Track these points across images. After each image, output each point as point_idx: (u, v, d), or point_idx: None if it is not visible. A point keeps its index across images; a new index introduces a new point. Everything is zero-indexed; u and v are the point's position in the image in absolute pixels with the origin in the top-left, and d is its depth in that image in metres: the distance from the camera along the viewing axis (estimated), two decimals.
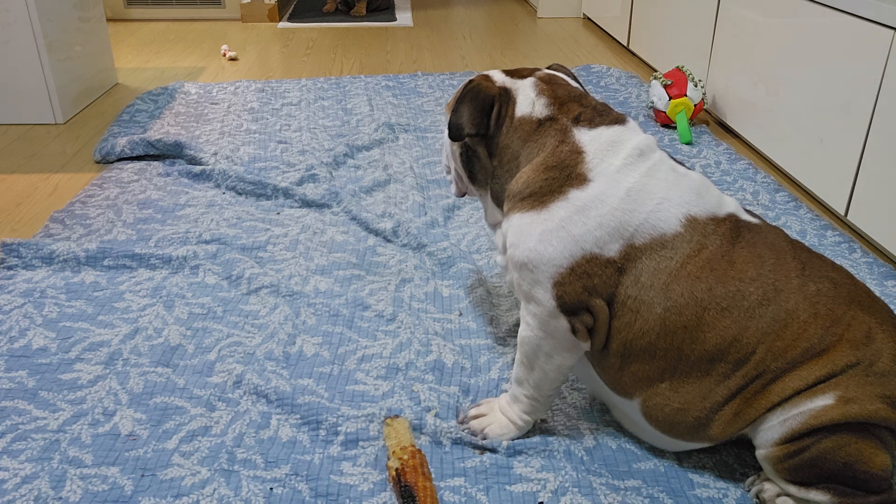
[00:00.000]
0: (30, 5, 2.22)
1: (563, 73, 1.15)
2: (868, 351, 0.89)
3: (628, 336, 0.96)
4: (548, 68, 1.15)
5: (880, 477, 0.88)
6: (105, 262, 1.54)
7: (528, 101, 1.05)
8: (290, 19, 3.99)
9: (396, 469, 0.99)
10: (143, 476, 1.02)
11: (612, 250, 0.95)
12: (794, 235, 1.68)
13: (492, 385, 1.21)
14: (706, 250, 0.94)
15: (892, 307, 1.35)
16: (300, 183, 1.91)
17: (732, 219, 0.98)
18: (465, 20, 4.04)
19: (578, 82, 1.14)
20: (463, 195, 1.22)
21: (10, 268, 1.53)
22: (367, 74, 2.92)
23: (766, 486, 0.98)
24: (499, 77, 1.09)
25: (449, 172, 1.22)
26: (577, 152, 0.99)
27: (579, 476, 1.02)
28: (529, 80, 1.08)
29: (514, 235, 1.00)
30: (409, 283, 1.49)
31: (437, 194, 1.88)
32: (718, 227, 0.96)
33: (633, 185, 0.96)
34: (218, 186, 1.90)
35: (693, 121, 2.35)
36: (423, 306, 1.42)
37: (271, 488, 1.01)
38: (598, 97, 2.58)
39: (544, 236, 0.96)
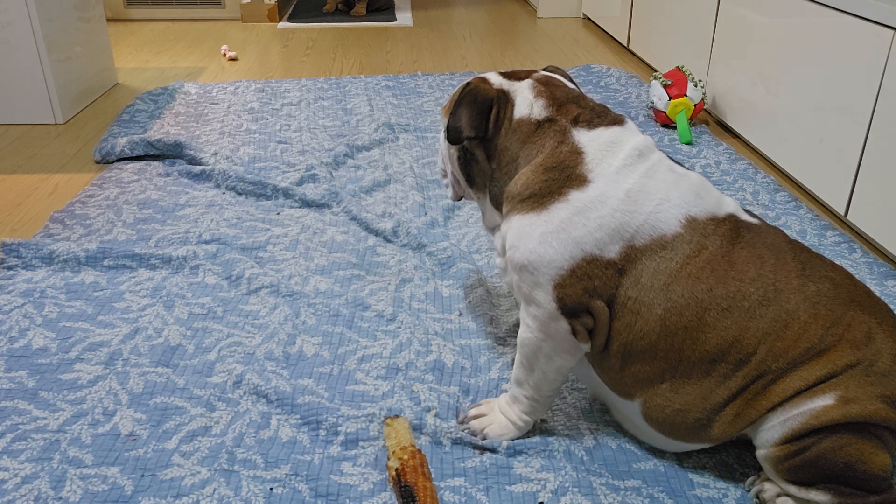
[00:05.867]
0: (30, 5, 2.22)
1: (558, 74, 1.15)
2: (868, 351, 0.89)
3: (629, 337, 0.96)
4: (543, 70, 1.15)
5: (880, 477, 0.88)
6: (105, 262, 1.54)
7: (526, 102, 1.05)
8: (290, 19, 3.99)
9: (396, 469, 0.99)
10: (143, 476, 1.03)
11: (613, 251, 0.95)
12: (794, 235, 1.68)
13: (492, 385, 1.21)
14: (706, 251, 0.94)
15: (892, 307, 1.35)
16: (300, 183, 1.91)
17: (732, 219, 0.98)
18: (465, 20, 4.04)
19: (574, 84, 1.14)
20: (460, 199, 1.22)
21: (10, 268, 1.53)
22: (367, 74, 2.92)
23: (767, 486, 0.98)
24: (496, 79, 1.09)
25: (445, 176, 1.22)
26: (577, 153, 0.99)
27: (579, 476, 1.03)
28: (527, 82, 1.08)
29: (513, 237, 1.00)
30: (409, 283, 1.49)
31: (437, 194, 1.88)
32: (718, 228, 0.96)
33: (632, 186, 0.96)
34: (218, 186, 1.90)
35: (693, 121, 2.35)
36: (423, 306, 1.42)
37: (271, 488, 1.01)
38: (597, 97, 2.58)
39: (544, 238, 0.96)
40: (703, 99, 2.25)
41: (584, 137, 1.00)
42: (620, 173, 0.97)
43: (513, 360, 1.26)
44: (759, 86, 2.07)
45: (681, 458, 1.07)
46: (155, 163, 2.05)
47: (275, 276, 1.49)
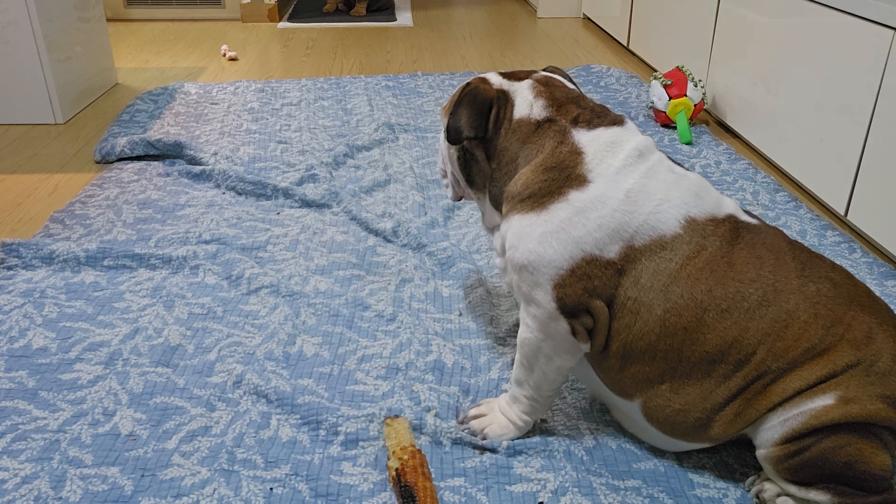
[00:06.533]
0: (30, 5, 2.22)
1: (558, 74, 1.15)
2: (868, 351, 0.89)
3: (628, 337, 0.96)
4: (543, 70, 1.15)
5: (880, 477, 0.88)
6: (105, 262, 1.54)
7: (526, 102, 1.05)
8: (290, 19, 3.99)
9: (396, 469, 0.99)
10: (143, 476, 1.03)
11: (612, 252, 0.95)
12: (794, 235, 1.68)
13: (492, 385, 1.21)
14: (705, 251, 0.94)
15: (892, 307, 1.35)
16: (300, 183, 1.91)
17: (731, 220, 0.98)
18: (465, 20, 4.04)
19: (574, 84, 1.14)
20: (460, 199, 1.22)
21: (10, 268, 1.53)
22: (367, 74, 2.92)
23: (767, 485, 0.98)
24: (496, 79, 1.09)
25: (445, 176, 1.22)
26: (577, 153, 0.99)
27: (579, 476, 1.03)
28: (527, 83, 1.08)
29: (513, 237, 1.00)
30: (409, 283, 1.49)
31: (437, 194, 1.88)
32: (717, 229, 0.96)
33: (632, 187, 0.96)
34: (218, 186, 1.90)
35: (693, 121, 2.35)
36: (423, 306, 1.42)
37: (271, 488, 1.01)
38: (597, 97, 2.58)
39: (544, 238, 0.96)
40: (703, 99, 2.25)
41: (584, 138, 1.00)
42: (620, 173, 0.97)
43: (513, 360, 1.26)
44: (759, 86, 2.07)
45: (681, 458, 1.07)
46: (155, 163, 2.05)
47: (275, 276, 1.49)
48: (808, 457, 0.89)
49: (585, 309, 0.96)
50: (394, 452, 1.02)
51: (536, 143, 1.02)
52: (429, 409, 1.14)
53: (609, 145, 0.99)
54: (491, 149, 1.07)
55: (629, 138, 1.01)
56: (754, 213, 1.73)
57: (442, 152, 1.20)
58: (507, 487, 1.01)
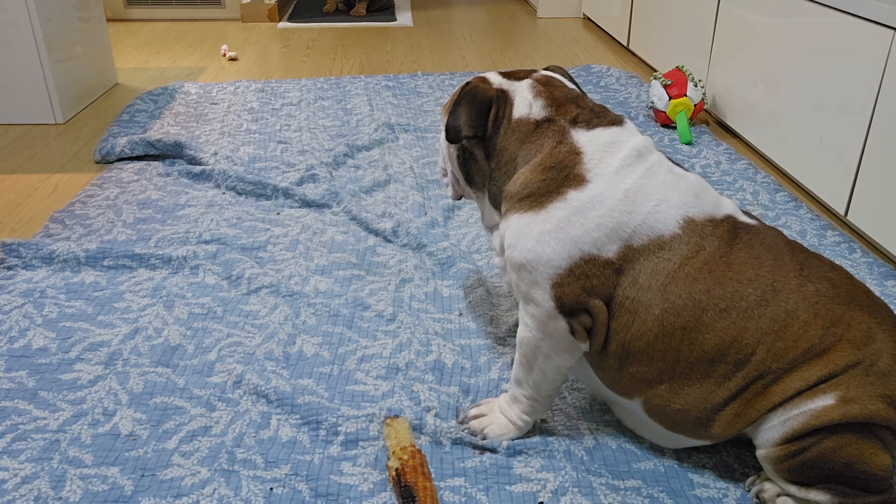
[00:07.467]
0: (30, 5, 2.23)
1: (559, 74, 1.15)
2: (868, 351, 0.89)
3: (626, 337, 0.96)
4: (544, 70, 1.15)
5: (880, 477, 0.88)
6: (105, 262, 1.54)
7: (525, 102, 1.05)
8: (290, 19, 3.99)
9: (396, 469, 0.99)
10: (143, 476, 1.03)
11: (611, 251, 0.95)
12: (793, 235, 1.68)
13: (492, 385, 1.21)
14: (704, 252, 0.94)
15: (892, 307, 1.35)
16: (300, 183, 1.91)
17: (730, 220, 0.98)
18: (465, 20, 4.04)
19: (575, 84, 1.14)
20: (460, 198, 1.22)
21: (10, 268, 1.53)
22: (367, 74, 2.92)
23: (767, 486, 0.98)
24: (496, 79, 1.09)
25: (445, 175, 1.22)
26: (575, 153, 0.99)
27: (579, 476, 1.03)
28: (526, 82, 1.08)
29: (511, 236, 1.00)
30: (409, 283, 1.49)
31: (437, 194, 1.88)
32: (716, 229, 0.96)
33: (631, 187, 0.96)
34: (218, 186, 1.90)
35: (693, 121, 2.35)
36: (423, 306, 1.42)
37: (271, 488, 1.01)
38: (597, 97, 2.58)
39: (542, 237, 0.96)
40: (703, 99, 2.25)
41: (583, 138, 1.00)
42: (619, 173, 0.97)
43: (512, 360, 1.26)
44: (759, 86, 2.07)
45: (681, 458, 1.07)
46: (155, 163, 2.05)
47: (275, 276, 1.49)
48: (809, 457, 0.89)
49: (584, 308, 0.96)
50: (394, 452, 1.02)
51: (535, 143, 1.02)
52: (429, 409, 1.14)
53: (608, 145, 0.99)
54: (490, 148, 1.07)
55: (628, 138, 1.01)
56: (754, 213, 1.74)
57: (442, 151, 1.21)
58: (507, 487, 1.01)
